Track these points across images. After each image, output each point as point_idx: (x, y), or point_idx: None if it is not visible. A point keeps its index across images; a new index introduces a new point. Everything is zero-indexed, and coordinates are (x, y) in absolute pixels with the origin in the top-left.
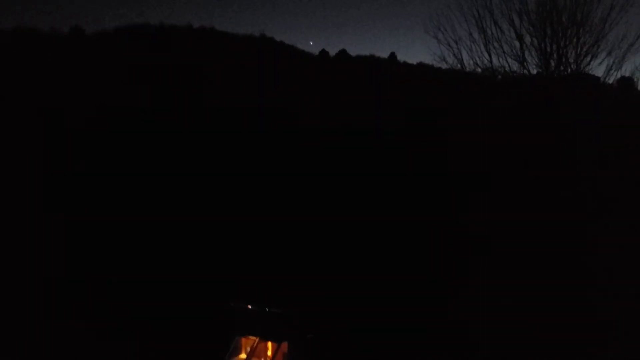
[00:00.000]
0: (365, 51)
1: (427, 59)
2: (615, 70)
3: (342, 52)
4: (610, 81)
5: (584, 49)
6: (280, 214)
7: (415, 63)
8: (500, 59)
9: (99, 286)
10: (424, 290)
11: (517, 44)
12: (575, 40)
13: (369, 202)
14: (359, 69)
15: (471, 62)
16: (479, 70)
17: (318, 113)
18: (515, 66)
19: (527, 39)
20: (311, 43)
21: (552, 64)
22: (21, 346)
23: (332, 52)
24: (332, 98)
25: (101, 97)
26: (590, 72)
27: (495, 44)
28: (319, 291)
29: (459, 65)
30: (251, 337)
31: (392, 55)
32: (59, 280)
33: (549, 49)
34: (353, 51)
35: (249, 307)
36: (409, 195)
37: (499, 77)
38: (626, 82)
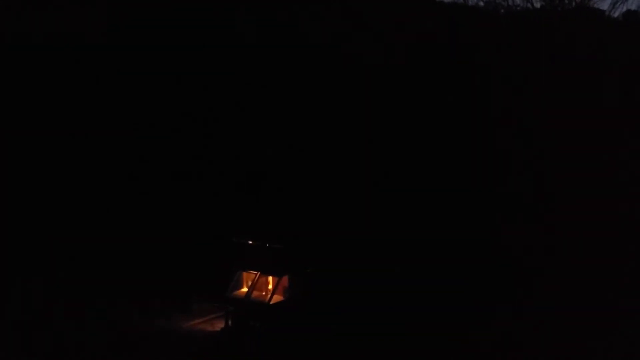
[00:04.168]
0: None
1: None
2: (620, 3)
3: None
4: (616, 15)
5: None
6: None
7: None
8: None
9: None
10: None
11: None
12: None
13: None
14: None
15: None
16: (482, 3)
17: None
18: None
19: None
20: None
21: None
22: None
23: None
24: None
25: None
26: (594, 5)
27: None
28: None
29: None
30: (252, 272)
31: None
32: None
33: None
34: None
35: (250, 243)
36: None
37: (502, 11)
38: (632, 15)
